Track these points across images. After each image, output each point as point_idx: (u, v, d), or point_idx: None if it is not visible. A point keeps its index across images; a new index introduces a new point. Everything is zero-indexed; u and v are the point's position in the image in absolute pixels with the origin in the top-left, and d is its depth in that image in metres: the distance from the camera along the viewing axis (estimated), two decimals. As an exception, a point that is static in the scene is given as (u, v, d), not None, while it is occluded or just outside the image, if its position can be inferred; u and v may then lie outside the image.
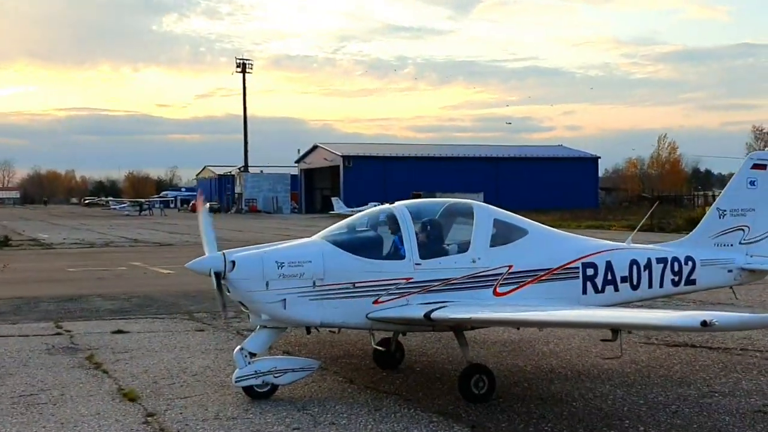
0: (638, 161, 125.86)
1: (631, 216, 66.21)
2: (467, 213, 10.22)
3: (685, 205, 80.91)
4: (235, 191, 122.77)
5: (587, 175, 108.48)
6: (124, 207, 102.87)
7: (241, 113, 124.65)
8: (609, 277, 10.66)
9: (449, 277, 9.56)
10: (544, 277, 10.14)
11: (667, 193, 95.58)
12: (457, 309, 9.00)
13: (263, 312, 9.17)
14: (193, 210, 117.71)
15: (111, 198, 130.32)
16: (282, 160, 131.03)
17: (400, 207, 10.00)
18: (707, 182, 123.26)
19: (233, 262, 8.93)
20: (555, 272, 10.25)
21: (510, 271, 9.87)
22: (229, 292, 9.10)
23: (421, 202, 11.08)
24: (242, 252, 9.27)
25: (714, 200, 12.74)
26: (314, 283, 9.06)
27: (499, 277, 9.81)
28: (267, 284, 8.92)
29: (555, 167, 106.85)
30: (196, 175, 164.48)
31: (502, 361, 11.49)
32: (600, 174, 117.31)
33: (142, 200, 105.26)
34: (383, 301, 9.29)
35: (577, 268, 10.48)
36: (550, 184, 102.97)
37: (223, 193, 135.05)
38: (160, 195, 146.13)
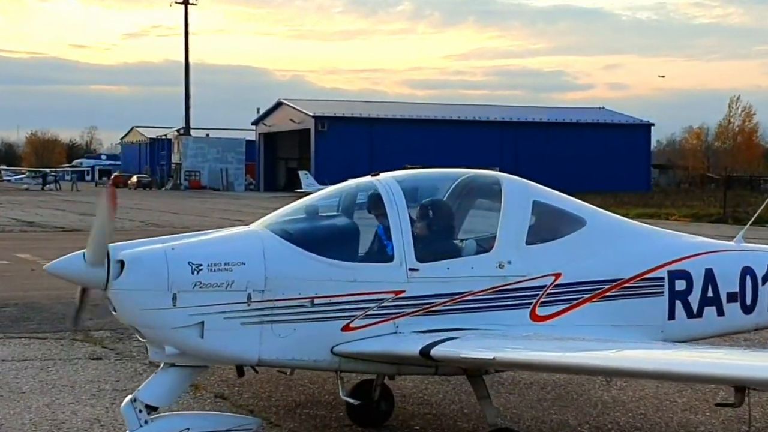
0: (702, 131, 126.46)
1: (694, 202, 65.89)
2: (492, 191, 10.04)
3: (763, 189, 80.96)
4: (172, 161, 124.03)
5: (636, 147, 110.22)
6: (21, 179, 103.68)
7: (182, 59, 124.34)
8: (710, 293, 10.44)
9: (462, 291, 9.29)
10: (609, 293, 9.93)
11: (740, 173, 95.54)
12: (473, 342, 8.76)
13: (168, 342, 8.75)
14: (114, 185, 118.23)
15: (4, 166, 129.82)
16: (235, 122, 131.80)
17: (387, 180, 9.69)
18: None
19: (120, 263, 8.51)
20: (627, 285, 10.01)
21: (557, 282, 9.65)
22: (114, 311, 8.69)
23: (420, 174, 11.06)
24: (138, 248, 8.83)
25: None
26: (249, 297, 8.73)
27: (541, 292, 9.58)
28: (174, 298, 8.54)
29: (594, 136, 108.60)
30: (121, 139, 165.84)
31: (543, 417, 11.23)
32: (652, 147, 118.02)
33: (47, 170, 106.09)
34: (358, 327, 8.99)
35: (662, 278, 10.22)
36: (587, 158, 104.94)
37: (155, 162, 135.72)
38: (72, 164, 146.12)
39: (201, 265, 8.64)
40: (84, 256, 8.56)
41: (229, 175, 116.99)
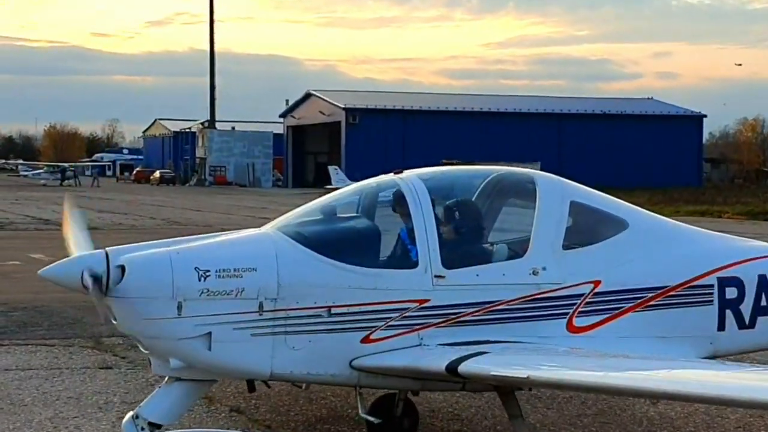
0: (758, 123, 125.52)
1: (748, 198, 65.28)
2: (526, 190, 10.02)
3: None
4: (196, 155, 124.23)
5: (687, 140, 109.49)
6: (38, 174, 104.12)
7: (207, 48, 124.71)
8: (763, 301, 10.25)
9: (493, 300, 9.26)
10: (654, 302, 9.82)
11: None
12: (505, 358, 8.72)
13: (172, 354, 8.77)
14: (137, 179, 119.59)
15: (21, 161, 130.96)
16: (263, 114, 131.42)
17: (411, 179, 9.67)
18: None
19: (121, 268, 8.52)
20: (673, 293, 9.89)
21: (596, 290, 9.57)
22: (114, 319, 8.73)
23: (447, 172, 11.06)
24: (140, 252, 8.87)
25: None
26: (261, 306, 8.73)
27: (579, 301, 9.51)
28: (180, 307, 8.55)
29: (641, 129, 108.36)
30: (144, 132, 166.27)
31: (584, 435, 11.17)
32: (704, 140, 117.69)
33: (66, 165, 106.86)
34: (379, 339, 8.98)
35: (711, 286, 10.08)
36: (634, 152, 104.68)
37: (179, 157, 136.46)
38: (93, 158, 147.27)
39: (208, 270, 8.62)
40: (81, 259, 8.60)
41: (255, 171, 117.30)
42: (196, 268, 8.64)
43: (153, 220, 45.42)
